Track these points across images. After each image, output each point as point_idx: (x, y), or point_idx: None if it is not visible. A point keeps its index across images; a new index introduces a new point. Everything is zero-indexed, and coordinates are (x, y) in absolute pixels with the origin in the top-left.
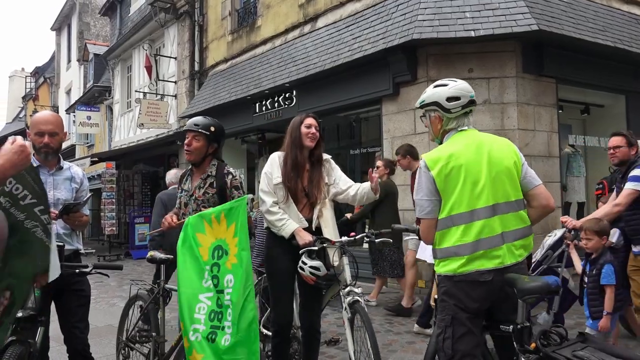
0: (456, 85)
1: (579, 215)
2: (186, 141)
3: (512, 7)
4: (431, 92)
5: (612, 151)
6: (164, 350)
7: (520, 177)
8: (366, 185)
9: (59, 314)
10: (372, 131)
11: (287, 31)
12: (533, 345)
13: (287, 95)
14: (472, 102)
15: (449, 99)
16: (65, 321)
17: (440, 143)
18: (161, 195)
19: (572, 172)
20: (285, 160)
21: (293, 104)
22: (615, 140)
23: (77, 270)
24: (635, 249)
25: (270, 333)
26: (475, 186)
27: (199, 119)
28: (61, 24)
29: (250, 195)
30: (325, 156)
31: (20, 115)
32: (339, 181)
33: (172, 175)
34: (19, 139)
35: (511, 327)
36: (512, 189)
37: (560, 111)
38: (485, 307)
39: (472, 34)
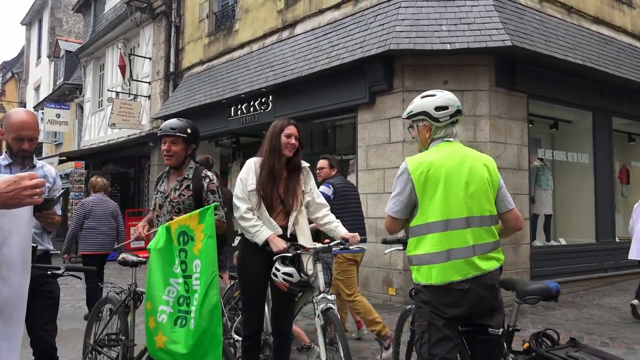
0: (444, 96)
1: (546, 228)
2: (164, 147)
3: (487, 22)
4: (419, 103)
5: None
6: (132, 354)
7: (495, 198)
8: (339, 232)
9: (27, 316)
10: (346, 139)
11: (265, 36)
12: (526, 345)
13: (263, 100)
14: (458, 112)
15: (437, 109)
16: (33, 323)
17: None
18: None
19: (541, 185)
20: (261, 168)
21: (269, 109)
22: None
23: (49, 272)
24: None
25: (241, 338)
26: (452, 197)
27: (174, 122)
28: (32, 19)
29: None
30: (304, 164)
31: None
32: (312, 191)
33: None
34: (28, 174)
35: (501, 330)
36: (488, 205)
37: (530, 125)
38: (462, 314)
39: (448, 46)
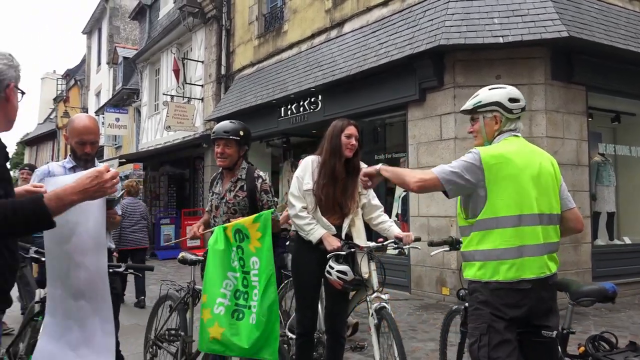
0: (514, 89)
1: (609, 226)
2: (218, 149)
3: (542, 13)
4: (489, 94)
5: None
6: (191, 349)
7: (558, 195)
8: (392, 231)
9: None
10: (396, 137)
11: (313, 36)
12: (582, 349)
13: (312, 100)
14: (524, 108)
15: (511, 100)
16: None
17: None
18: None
19: (602, 182)
20: (321, 168)
21: (318, 108)
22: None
23: (110, 270)
24: None
25: (295, 336)
26: (526, 192)
27: (226, 125)
28: (92, 28)
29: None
30: (362, 165)
31: (51, 117)
32: (369, 193)
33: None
34: (103, 166)
35: (555, 332)
36: (555, 203)
37: (590, 119)
38: (522, 315)
39: (501, 40)
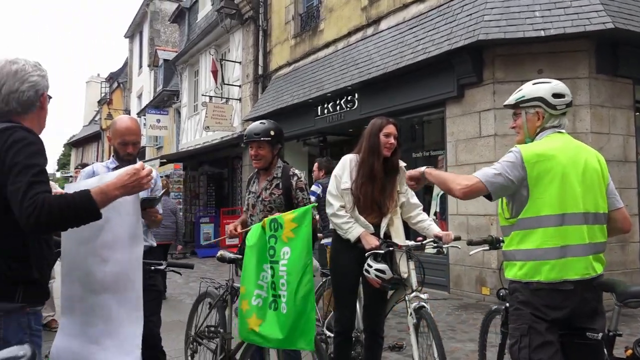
0: (559, 83)
1: None
2: (252, 152)
3: (585, 4)
4: (532, 88)
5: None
6: (230, 346)
7: (605, 194)
8: (431, 230)
9: None
10: (434, 134)
11: (349, 34)
12: (629, 352)
13: (349, 98)
14: (571, 103)
15: (555, 95)
16: None
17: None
18: None
19: None
20: (359, 167)
21: (355, 106)
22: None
23: (152, 267)
24: None
25: (333, 334)
26: (570, 190)
27: (257, 127)
28: (134, 32)
29: (313, 198)
30: (401, 164)
31: (96, 119)
32: (407, 192)
33: None
34: (139, 164)
35: (600, 334)
36: (602, 201)
37: (637, 113)
38: (564, 316)
39: (542, 33)
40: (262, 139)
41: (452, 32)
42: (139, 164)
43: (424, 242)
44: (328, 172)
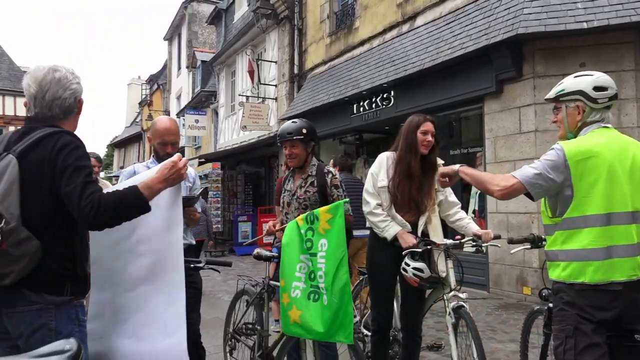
0: (603, 76)
1: None
2: (286, 151)
3: None
4: (573, 82)
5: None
6: (267, 343)
7: None
8: (470, 228)
9: None
10: (472, 131)
11: (385, 31)
12: None
13: (384, 96)
14: (616, 96)
15: (596, 89)
16: None
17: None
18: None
19: None
20: (396, 165)
21: (391, 104)
22: None
23: (192, 265)
24: None
25: (370, 333)
26: (618, 188)
27: (289, 126)
28: (172, 34)
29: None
30: (439, 161)
31: (137, 120)
32: (446, 190)
33: None
34: (176, 156)
35: None
36: None
37: None
38: (611, 317)
39: (585, 25)
40: (295, 137)
41: (490, 27)
42: (175, 156)
43: (462, 240)
44: (343, 169)
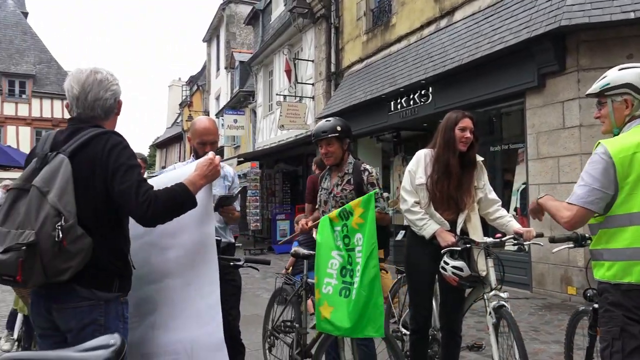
0: None
1: None
2: (322, 150)
3: None
4: (619, 75)
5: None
6: (306, 341)
7: None
8: (511, 226)
9: None
10: (513, 127)
11: (422, 27)
12: None
13: (422, 93)
14: None
15: None
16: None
17: (618, 135)
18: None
19: None
20: (434, 162)
21: (429, 101)
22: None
23: (231, 263)
24: None
25: (408, 332)
26: None
27: (323, 125)
28: (211, 36)
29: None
30: (479, 158)
31: (178, 121)
32: (485, 187)
33: None
34: (210, 154)
35: None
36: None
37: None
38: None
39: (632, 15)
40: (329, 135)
41: (531, 19)
42: (210, 153)
43: (503, 239)
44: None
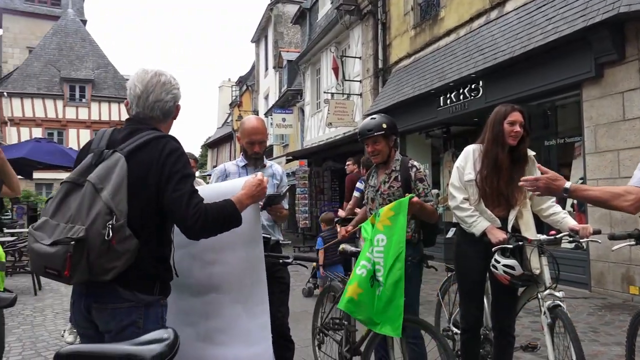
0: None
1: None
2: (369, 149)
3: None
4: None
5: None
6: (355, 339)
7: None
8: (566, 223)
9: None
10: (569, 119)
11: (472, 20)
12: None
13: (473, 87)
14: None
15: None
16: (269, 306)
17: None
18: None
19: None
20: (483, 158)
21: (479, 95)
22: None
23: (280, 261)
24: None
25: (459, 331)
26: None
27: (368, 124)
28: (259, 36)
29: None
30: (530, 153)
31: (228, 121)
32: None
33: None
34: (259, 174)
35: None
36: None
37: None
38: None
39: None
40: (375, 134)
41: (587, 7)
42: (259, 174)
43: (557, 236)
44: (364, 167)
